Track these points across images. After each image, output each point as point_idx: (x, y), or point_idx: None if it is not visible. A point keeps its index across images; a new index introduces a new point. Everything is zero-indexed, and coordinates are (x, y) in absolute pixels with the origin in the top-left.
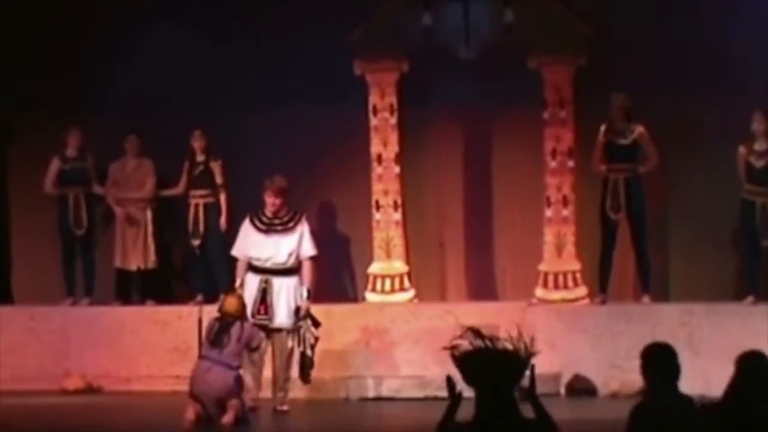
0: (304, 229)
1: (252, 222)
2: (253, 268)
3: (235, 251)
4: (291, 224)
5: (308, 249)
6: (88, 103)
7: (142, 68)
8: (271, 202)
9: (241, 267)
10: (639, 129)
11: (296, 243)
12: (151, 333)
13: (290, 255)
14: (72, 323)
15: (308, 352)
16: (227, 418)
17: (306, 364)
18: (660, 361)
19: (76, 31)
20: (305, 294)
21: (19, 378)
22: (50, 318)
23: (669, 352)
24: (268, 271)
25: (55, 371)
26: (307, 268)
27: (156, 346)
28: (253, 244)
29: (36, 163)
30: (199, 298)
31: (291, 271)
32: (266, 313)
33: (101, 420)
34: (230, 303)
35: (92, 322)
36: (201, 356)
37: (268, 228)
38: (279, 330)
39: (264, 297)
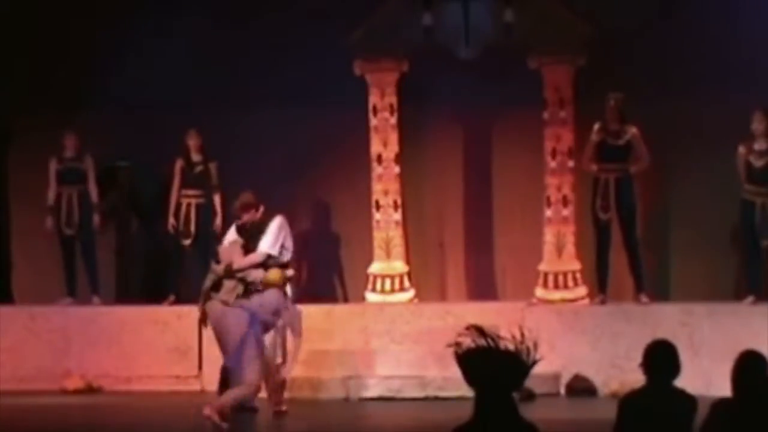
0: (272, 225)
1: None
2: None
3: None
4: (265, 227)
5: (264, 244)
6: (88, 103)
7: (142, 68)
8: (241, 220)
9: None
10: (632, 130)
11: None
12: (151, 333)
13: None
14: (72, 323)
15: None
16: (207, 411)
17: None
18: (657, 358)
19: (74, 32)
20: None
21: (19, 378)
22: (50, 318)
23: (668, 349)
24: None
25: (55, 371)
26: (250, 256)
27: (156, 346)
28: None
29: (36, 163)
30: (172, 298)
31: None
32: None
33: (101, 420)
34: (274, 273)
35: (92, 322)
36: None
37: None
38: None
39: None
